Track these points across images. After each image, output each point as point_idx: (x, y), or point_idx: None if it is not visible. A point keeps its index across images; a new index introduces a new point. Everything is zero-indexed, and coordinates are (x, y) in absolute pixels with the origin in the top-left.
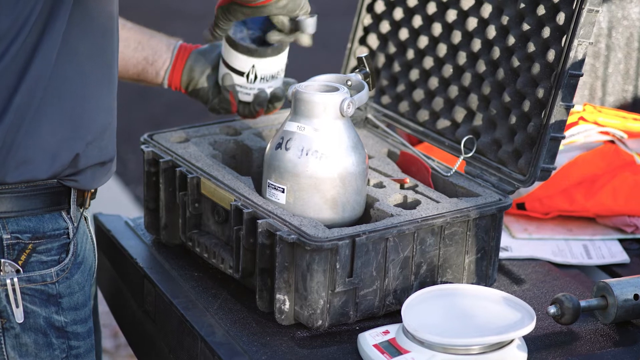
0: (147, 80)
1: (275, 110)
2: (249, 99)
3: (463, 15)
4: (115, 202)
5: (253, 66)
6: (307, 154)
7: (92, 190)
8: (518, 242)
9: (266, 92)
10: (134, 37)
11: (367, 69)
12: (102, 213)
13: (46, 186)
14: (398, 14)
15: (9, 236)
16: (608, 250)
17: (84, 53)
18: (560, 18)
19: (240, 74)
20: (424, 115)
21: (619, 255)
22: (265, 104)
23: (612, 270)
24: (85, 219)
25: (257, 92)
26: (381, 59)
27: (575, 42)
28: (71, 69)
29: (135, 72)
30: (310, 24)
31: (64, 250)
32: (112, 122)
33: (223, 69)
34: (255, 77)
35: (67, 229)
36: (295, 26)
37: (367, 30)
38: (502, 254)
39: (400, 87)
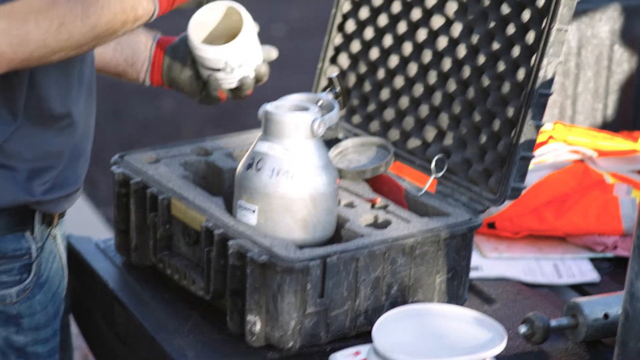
0: (129, 80)
1: (264, 82)
2: (236, 85)
3: (433, 34)
4: (86, 224)
5: (226, 62)
6: (277, 174)
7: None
8: (489, 262)
9: (249, 77)
10: None
11: (338, 89)
12: (72, 235)
13: (10, 208)
14: (369, 33)
15: None
16: (578, 269)
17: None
18: (530, 37)
19: (217, 70)
20: (394, 134)
21: (589, 274)
22: (251, 86)
23: (582, 289)
24: (54, 237)
25: (240, 77)
26: (352, 79)
27: (545, 61)
28: (43, 90)
29: (116, 72)
30: None
31: (26, 270)
32: (82, 151)
33: (203, 71)
34: (233, 69)
35: (30, 249)
36: None
37: (337, 50)
38: (473, 274)
39: (371, 107)
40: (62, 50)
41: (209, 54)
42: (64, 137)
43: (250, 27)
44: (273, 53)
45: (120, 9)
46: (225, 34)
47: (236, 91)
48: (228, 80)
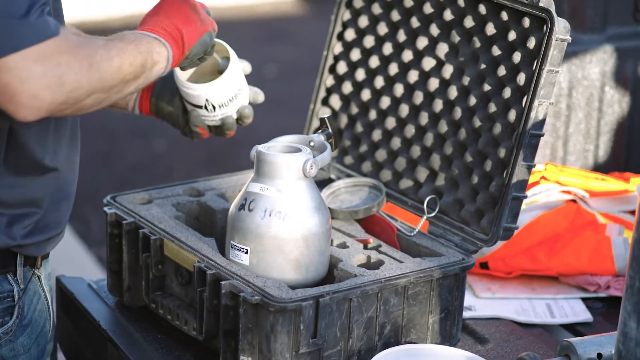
0: (119, 109)
1: (247, 124)
2: (218, 124)
3: (425, 76)
4: (78, 264)
5: (207, 99)
6: (270, 215)
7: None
8: (481, 302)
9: (232, 117)
10: None
11: (330, 130)
12: (64, 275)
13: None
14: (360, 75)
15: None
16: (571, 309)
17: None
18: (521, 79)
19: (199, 107)
20: (386, 175)
21: (582, 314)
22: (234, 127)
23: (575, 329)
24: (39, 278)
25: (222, 117)
26: (344, 120)
27: (536, 102)
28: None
29: None
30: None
31: (8, 313)
32: (66, 194)
33: (187, 105)
34: (214, 107)
35: (12, 291)
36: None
37: (329, 91)
38: (466, 314)
39: (363, 148)
40: (95, 91)
41: (190, 90)
42: (46, 183)
43: (235, 69)
44: (260, 97)
45: (137, 52)
46: (215, 71)
47: (218, 129)
48: (210, 118)
